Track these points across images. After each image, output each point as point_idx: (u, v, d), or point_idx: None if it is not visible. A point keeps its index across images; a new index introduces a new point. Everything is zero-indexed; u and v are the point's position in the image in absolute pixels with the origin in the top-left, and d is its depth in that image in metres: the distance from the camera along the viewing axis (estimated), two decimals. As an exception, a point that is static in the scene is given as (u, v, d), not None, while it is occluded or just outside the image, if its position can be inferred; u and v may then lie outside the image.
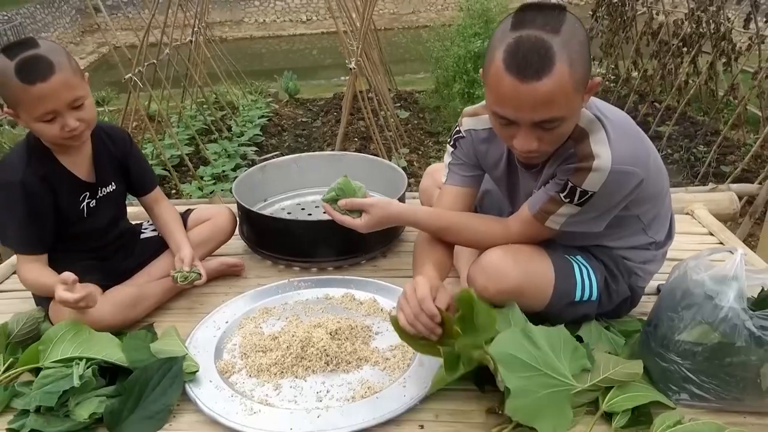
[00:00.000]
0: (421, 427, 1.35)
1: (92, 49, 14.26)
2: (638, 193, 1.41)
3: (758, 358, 1.27)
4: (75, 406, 1.36)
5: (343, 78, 9.45)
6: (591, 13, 7.21)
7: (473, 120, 1.59)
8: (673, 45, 5.68)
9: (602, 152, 1.31)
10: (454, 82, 6.38)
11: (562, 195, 1.37)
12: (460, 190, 1.63)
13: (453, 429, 1.35)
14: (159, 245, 1.90)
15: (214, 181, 4.57)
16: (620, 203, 1.40)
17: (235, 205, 2.17)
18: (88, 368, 1.42)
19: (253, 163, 5.01)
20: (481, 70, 1.33)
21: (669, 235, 1.63)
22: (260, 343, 1.61)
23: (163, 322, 1.76)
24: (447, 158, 1.65)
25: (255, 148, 5.38)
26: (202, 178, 4.55)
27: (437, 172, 1.96)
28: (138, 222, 2.03)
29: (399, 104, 6.71)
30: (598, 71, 7.37)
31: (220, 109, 6.29)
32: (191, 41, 5.76)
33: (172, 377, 1.44)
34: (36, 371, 1.47)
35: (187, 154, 4.74)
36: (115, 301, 1.65)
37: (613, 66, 7.00)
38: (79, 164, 1.71)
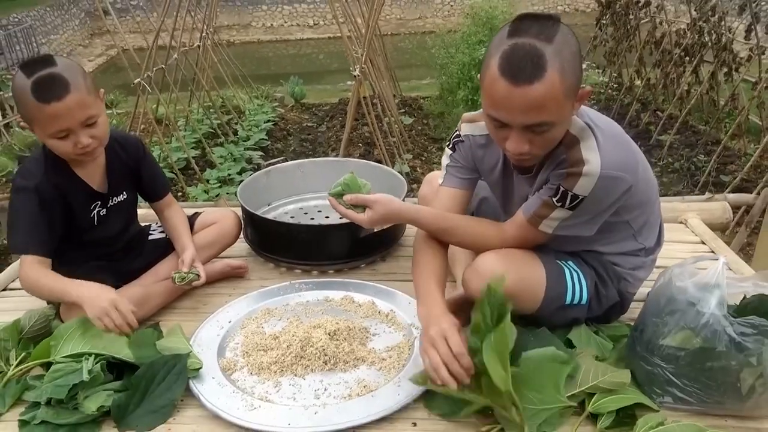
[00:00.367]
0: (414, 424, 1.41)
1: (101, 51, 14.40)
2: (627, 200, 1.47)
3: (738, 363, 1.32)
4: (84, 400, 1.42)
5: (349, 83, 9.52)
6: (596, 21, 7.27)
7: (471, 126, 1.66)
8: (676, 54, 5.73)
9: (592, 158, 1.37)
10: (458, 89, 6.44)
11: (554, 199, 1.43)
12: (455, 192, 1.69)
13: (444, 427, 1.41)
14: (166, 246, 1.97)
15: (219, 184, 4.65)
16: (610, 208, 1.46)
17: (240, 208, 2.23)
18: (96, 364, 1.48)
19: (259, 167, 5.08)
20: (478, 75, 1.39)
21: (658, 242, 1.69)
22: (261, 342, 1.67)
23: (169, 321, 1.83)
24: (445, 160, 1.71)
25: (260, 153, 5.46)
26: (208, 181, 4.63)
27: (436, 179, 2.02)
28: (146, 224, 2.09)
29: (403, 110, 6.77)
30: (601, 79, 7.42)
31: (226, 113, 6.37)
32: (199, 46, 5.84)
33: (177, 374, 1.50)
34: (47, 366, 1.54)
35: (193, 158, 4.82)
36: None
37: (616, 74, 7.05)
38: (93, 174, 1.77)
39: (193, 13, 5.82)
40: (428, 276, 1.55)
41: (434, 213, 1.64)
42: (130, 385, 1.47)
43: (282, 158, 5.19)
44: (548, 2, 15.74)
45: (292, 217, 2.48)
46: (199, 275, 1.80)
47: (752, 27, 4.68)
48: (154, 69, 4.67)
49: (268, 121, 6.39)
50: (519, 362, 1.40)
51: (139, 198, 1.99)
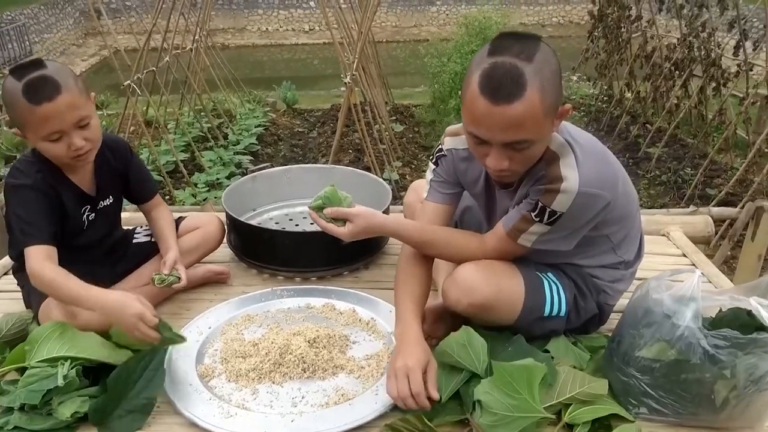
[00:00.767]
0: (390, 433, 1.41)
1: (94, 51, 14.37)
2: (607, 215, 1.48)
3: (712, 376, 1.33)
4: (58, 405, 1.41)
5: (342, 89, 9.55)
6: (588, 33, 7.33)
7: (454, 140, 1.66)
8: (666, 68, 5.79)
9: (570, 175, 1.38)
10: (450, 98, 6.46)
11: (533, 214, 1.44)
12: (439, 207, 1.69)
13: (420, 437, 1.40)
14: (150, 250, 1.96)
15: (207, 188, 4.64)
16: (588, 224, 1.47)
17: (224, 214, 2.23)
18: (72, 369, 1.47)
19: (247, 171, 5.08)
20: (460, 92, 1.40)
21: (638, 255, 1.70)
22: (241, 349, 1.66)
23: (149, 326, 1.82)
24: (429, 175, 1.72)
25: (250, 157, 5.45)
26: (196, 185, 4.62)
27: (421, 187, 2.02)
28: (131, 227, 2.08)
29: (395, 117, 6.79)
30: (592, 91, 7.48)
31: (217, 117, 6.37)
32: (191, 49, 5.84)
33: (154, 369, 1.50)
34: (22, 370, 1.52)
35: (182, 161, 4.81)
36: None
37: (606, 86, 7.11)
38: (83, 178, 1.77)
39: (186, 16, 5.82)
40: (407, 298, 1.56)
41: (415, 226, 1.64)
42: (106, 388, 1.46)
43: (268, 164, 5.18)
44: (542, 14, 15.86)
45: (276, 223, 2.47)
46: (180, 278, 1.78)
47: (740, 43, 4.73)
48: (145, 71, 4.66)
49: (259, 125, 6.39)
50: (494, 369, 1.41)
51: (124, 201, 1.98)
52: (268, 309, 1.88)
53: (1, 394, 1.49)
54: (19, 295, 1.88)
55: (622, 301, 1.73)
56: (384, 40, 13.60)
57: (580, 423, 1.38)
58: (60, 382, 1.42)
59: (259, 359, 1.61)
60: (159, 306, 1.92)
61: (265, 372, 1.57)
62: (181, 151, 5.21)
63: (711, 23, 5.11)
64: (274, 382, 1.55)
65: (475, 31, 6.63)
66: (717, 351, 1.32)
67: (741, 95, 4.81)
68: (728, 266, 3.33)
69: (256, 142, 5.87)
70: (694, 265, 2.20)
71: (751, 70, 4.78)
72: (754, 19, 7.82)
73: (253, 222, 2.38)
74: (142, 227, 2.07)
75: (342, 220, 1.57)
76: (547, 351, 1.57)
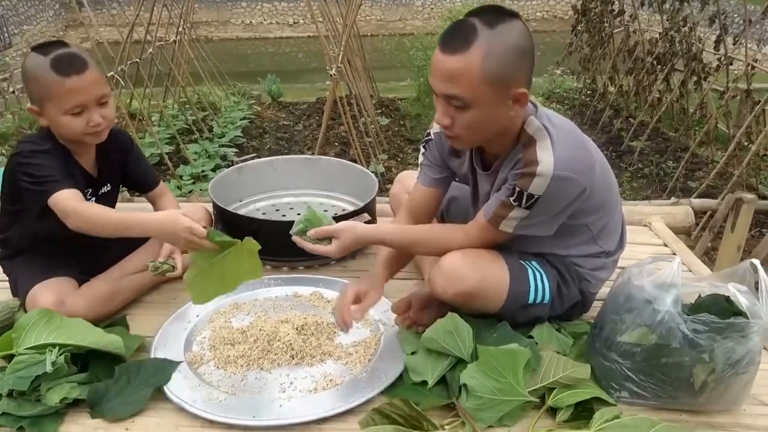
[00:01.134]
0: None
1: (75, 44, 14.13)
2: (585, 203, 1.51)
3: (691, 359, 1.37)
4: (47, 391, 1.41)
5: (327, 82, 9.52)
6: (571, 28, 7.38)
7: None
8: (648, 62, 5.85)
9: (545, 158, 1.41)
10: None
11: (511, 199, 1.47)
12: (427, 190, 1.74)
13: (407, 421, 1.43)
14: (134, 241, 1.96)
15: (193, 180, 4.61)
16: (566, 209, 1.50)
17: (211, 204, 2.23)
18: (60, 355, 1.47)
19: (233, 164, 5.06)
20: None
21: (620, 245, 1.73)
22: (229, 336, 1.68)
23: (137, 315, 1.82)
24: (420, 158, 1.78)
25: (235, 150, 5.43)
26: (181, 177, 4.59)
27: (407, 178, 2.05)
28: None
29: (380, 111, 6.79)
30: (576, 85, 7.54)
31: (202, 110, 6.32)
32: (175, 41, 5.79)
33: (161, 372, 1.52)
34: (9, 358, 1.52)
35: (167, 153, 4.78)
36: (89, 296, 1.71)
37: (590, 80, 7.17)
38: (85, 162, 1.78)
39: (169, 8, 5.77)
40: (378, 261, 1.71)
41: (398, 229, 1.69)
42: (97, 375, 1.49)
43: (254, 155, 5.17)
44: (527, 8, 15.92)
45: (264, 214, 2.48)
46: (174, 267, 1.80)
47: (721, 38, 4.80)
48: (128, 63, 4.62)
49: (244, 118, 6.36)
50: (479, 353, 1.43)
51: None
52: (255, 297, 1.89)
53: (-11, 382, 1.48)
54: (3, 284, 1.88)
55: (604, 290, 1.77)
56: (369, 33, 13.57)
57: (563, 406, 1.41)
58: (49, 368, 1.42)
59: (247, 346, 1.62)
60: (146, 295, 1.93)
61: (253, 359, 1.59)
62: (166, 144, 5.18)
63: (692, 18, 5.18)
64: (262, 369, 1.57)
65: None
66: (696, 335, 1.36)
67: (721, 89, 4.88)
68: (708, 257, 3.39)
69: (242, 135, 5.85)
70: (674, 253, 2.24)
71: (731, 65, 4.85)
72: (734, 15, 7.94)
73: (240, 212, 2.38)
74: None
75: (327, 239, 1.57)
76: (531, 337, 1.60)
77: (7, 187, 1.73)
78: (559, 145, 1.42)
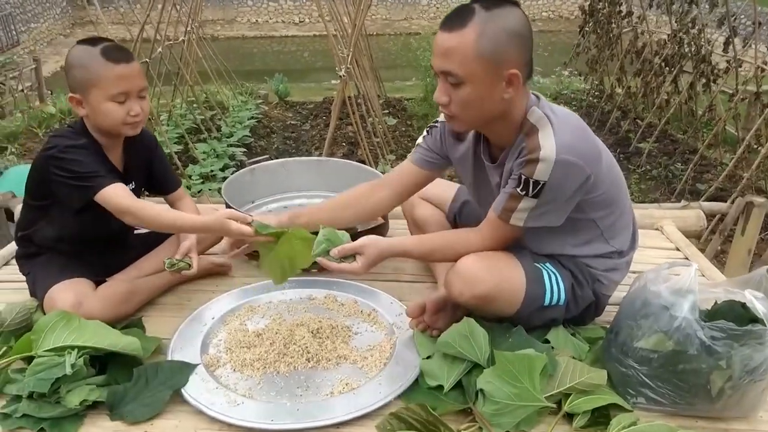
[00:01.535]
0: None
1: (82, 42, 14.18)
2: (591, 194, 1.52)
3: (708, 366, 1.37)
4: (66, 393, 1.43)
5: (333, 81, 9.53)
6: (579, 28, 7.37)
7: None
8: (656, 64, 5.84)
9: (547, 144, 1.44)
10: (439, 91, 6.48)
11: (518, 189, 1.49)
12: (416, 169, 1.79)
13: (424, 425, 1.43)
14: (152, 241, 1.97)
15: (202, 180, 4.63)
16: (573, 197, 1.50)
17: (224, 205, 2.24)
18: (79, 357, 1.48)
19: (241, 164, 5.07)
20: None
21: (632, 246, 1.74)
22: (245, 339, 1.68)
23: (152, 317, 1.84)
24: (419, 140, 1.82)
25: (243, 149, 5.44)
26: (190, 177, 4.61)
27: None
28: None
29: (387, 111, 6.80)
30: (583, 86, 7.52)
31: (210, 109, 6.34)
32: (184, 40, 5.81)
33: (179, 374, 1.52)
34: (28, 359, 1.53)
35: (176, 153, 4.80)
36: (106, 297, 1.72)
37: (597, 82, 7.16)
38: (114, 159, 1.81)
39: (178, 7, 5.78)
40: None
41: (417, 239, 1.73)
42: (116, 377, 1.50)
43: (266, 156, 5.18)
44: (532, 8, 15.90)
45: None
46: (190, 265, 1.82)
47: (730, 40, 4.79)
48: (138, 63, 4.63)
49: (252, 118, 6.38)
50: (496, 358, 1.44)
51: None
52: (270, 300, 1.90)
53: (9, 383, 1.50)
54: (20, 285, 1.89)
55: (618, 294, 1.78)
56: (374, 33, 13.56)
57: (579, 412, 1.41)
58: (68, 370, 1.43)
59: (263, 349, 1.63)
60: (161, 297, 1.94)
61: (269, 362, 1.60)
62: (175, 143, 5.20)
63: (701, 19, 5.16)
64: (278, 372, 1.58)
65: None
66: (713, 342, 1.36)
67: (730, 91, 4.88)
68: (718, 260, 3.39)
69: (250, 135, 5.86)
70: (687, 258, 2.25)
71: (740, 67, 4.84)
72: (743, 16, 7.91)
73: (252, 214, 2.38)
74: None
75: (350, 257, 1.58)
76: (546, 341, 1.60)
77: (36, 182, 1.75)
78: (560, 132, 1.45)
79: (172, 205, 2.00)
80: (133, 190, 1.87)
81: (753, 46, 4.50)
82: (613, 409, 1.44)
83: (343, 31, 5.55)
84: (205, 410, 1.43)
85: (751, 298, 1.41)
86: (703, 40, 5.15)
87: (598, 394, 1.44)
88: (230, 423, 1.40)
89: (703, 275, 2.09)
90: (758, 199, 2.86)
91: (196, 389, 1.49)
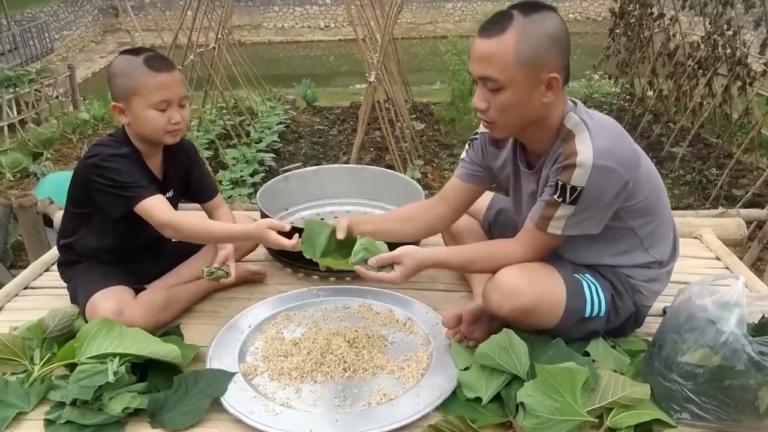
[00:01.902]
0: (433, 434, 1.43)
1: (112, 48, 14.49)
2: (629, 201, 1.50)
3: (756, 382, 1.34)
4: (109, 401, 1.44)
5: (358, 86, 9.57)
6: (608, 31, 7.28)
7: None
8: (689, 67, 5.74)
9: (584, 149, 1.42)
10: (470, 96, 6.45)
11: (555, 196, 1.47)
12: (461, 184, 1.79)
13: (463, 438, 1.42)
14: (189, 248, 1.99)
15: (232, 185, 4.68)
16: (611, 204, 1.48)
17: (259, 213, 2.25)
18: (121, 365, 1.50)
19: (270, 169, 5.11)
20: None
21: (672, 256, 1.70)
22: (282, 348, 1.69)
23: (189, 324, 1.85)
24: (462, 154, 1.81)
25: (273, 155, 5.48)
26: (220, 182, 4.66)
27: None
28: None
29: (414, 116, 6.79)
30: (614, 89, 7.43)
31: (238, 114, 6.40)
32: (214, 47, 5.88)
33: (218, 382, 1.54)
34: (71, 366, 1.56)
35: (206, 158, 4.86)
36: (147, 304, 1.74)
37: (628, 85, 7.06)
38: (153, 168, 1.84)
39: (210, 15, 5.86)
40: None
41: (454, 250, 1.71)
42: (156, 385, 1.52)
43: (300, 163, 5.23)
44: (560, 10, 15.49)
45: (308, 223, 2.49)
46: (228, 273, 1.83)
47: (767, 42, 4.68)
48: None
49: (280, 123, 6.42)
50: (537, 371, 1.42)
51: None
52: (305, 309, 1.91)
53: (53, 389, 1.53)
54: (60, 291, 1.93)
55: (657, 305, 1.75)
56: (399, 36, 13.58)
57: (622, 427, 1.38)
58: (111, 378, 1.45)
59: (300, 358, 1.63)
60: (197, 304, 1.96)
61: (307, 371, 1.60)
62: (205, 149, 5.26)
63: (736, 21, 5.06)
64: (316, 381, 1.58)
65: (496, 29, 6.64)
66: (762, 357, 1.32)
67: (767, 94, 4.77)
68: (756, 269, 3.31)
69: (278, 140, 5.91)
70: (728, 268, 2.19)
71: (778, 70, 4.74)
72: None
73: (286, 221, 2.40)
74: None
75: (388, 266, 1.56)
76: (586, 354, 1.58)
77: (78, 189, 1.78)
78: (597, 137, 1.43)
79: (209, 213, 2.02)
80: (171, 199, 1.90)
81: (791, 48, 4.40)
82: (656, 424, 1.41)
83: (371, 35, 5.56)
84: (245, 419, 1.44)
85: (800, 311, 1.37)
86: (738, 42, 5.05)
87: (641, 409, 1.41)
88: (270, 433, 1.41)
89: (747, 286, 2.04)
90: (799, 206, 2.78)
91: (235, 398, 1.50)
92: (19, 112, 6.86)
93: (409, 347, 1.72)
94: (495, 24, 1.42)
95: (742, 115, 5.13)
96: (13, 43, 11.06)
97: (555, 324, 1.54)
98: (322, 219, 2.52)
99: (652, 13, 6.40)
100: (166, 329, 1.79)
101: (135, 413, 1.47)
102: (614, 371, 1.50)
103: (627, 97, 7.08)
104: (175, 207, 1.97)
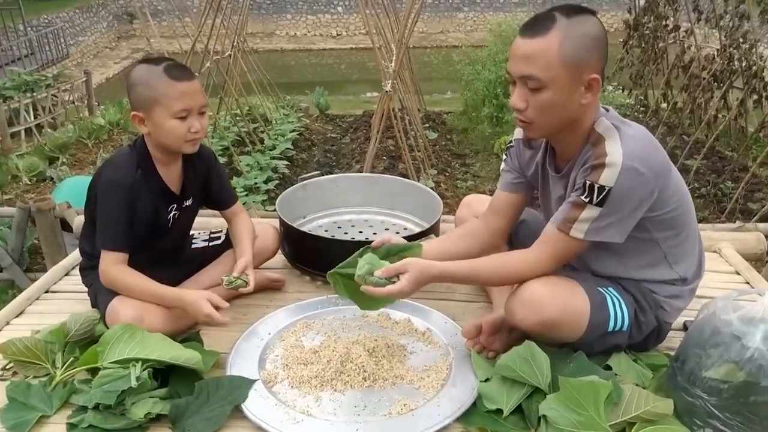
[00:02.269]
0: (454, 445, 1.43)
1: (126, 54, 14.65)
2: (654, 211, 1.49)
3: (782, 399, 1.32)
4: (131, 406, 1.45)
5: (370, 94, 9.61)
6: (622, 42, 7.28)
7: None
8: (704, 79, 5.72)
9: (614, 150, 1.43)
10: (483, 106, 6.47)
11: (582, 197, 1.46)
12: (507, 195, 1.78)
13: (484, 449, 1.42)
14: (207, 256, 2.00)
15: (246, 192, 4.70)
16: (636, 210, 1.47)
17: (277, 220, 2.26)
18: (144, 370, 1.51)
19: (284, 176, 5.13)
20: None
21: (697, 273, 1.69)
22: (301, 355, 1.69)
23: (208, 331, 1.86)
24: (502, 165, 1.82)
25: (286, 162, 5.51)
26: (234, 189, 4.67)
27: (475, 202, 2.04)
28: (191, 232, 2.13)
29: (427, 125, 6.81)
30: (627, 101, 7.41)
31: (252, 122, 6.44)
32: (230, 55, 5.93)
33: (239, 389, 1.54)
34: (93, 370, 1.57)
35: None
36: (166, 311, 1.75)
37: (642, 96, 7.04)
38: (171, 176, 1.85)
39: (226, 23, 5.91)
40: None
41: (459, 261, 1.62)
42: (177, 390, 1.53)
43: (318, 172, 5.25)
44: (572, 21, 15.77)
45: (326, 231, 2.50)
46: (247, 282, 1.83)
47: (784, 55, 4.67)
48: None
49: (294, 130, 6.45)
50: (560, 384, 1.41)
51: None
52: (324, 317, 1.91)
53: (75, 393, 1.54)
54: (82, 295, 1.94)
55: (678, 320, 1.73)
56: (411, 45, 13.64)
57: (645, 442, 1.38)
58: (133, 383, 1.46)
59: (320, 366, 1.63)
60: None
61: (327, 379, 1.60)
62: (220, 155, 5.29)
63: (753, 34, 5.05)
64: (336, 390, 1.58)
65: (509, 39, 6.64)
66: (788, 374, 1.31)
67: (783, 109, 4.75)
68: (773, 283, 3.28)
69: (292, 147, 5.93)
70: (748, 283, 2.18)
71: (795, 84, 4.71)
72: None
73: (304, 229, 2.41)
74: (200, 233, 2.11)
75: (395, 278, 1.53)
76: (608, 367, 1.57)
77: (94, 198, 1.80)
78: (627, 140, 1.44)
79: (228, 220, 2.03)
80: (190, 207, 1.91)
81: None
82: (679, 440, 1.40)
83: (386, 44, 5.59)
84: (266, 426, 1.44)
85: (827, 328, 1.36)
86: (755, 55, 5.03)
87: (663, 424, 1.41)
88: (291, 441, 1.41)
89: None
90: (818, 221, 2.76)
91: (256, 405, 1.50)
92: (36, 117, 6.94)
93: (429, 357, 1.72)
94: (537, 25, 1.43)
95: (758, 128, 5.10)
96: (30, 49, 11.20)
97: (578, 338, 1.54)
98: (339, 227, 2.53)
99: (666, 26, 6.40)
100: (186, 335, 1.80)
101: (156, 418, 1.48)
102: (636, 385, 1.50)
103: (641, 108, 7.06)
104: (195, 215, 2.01)
